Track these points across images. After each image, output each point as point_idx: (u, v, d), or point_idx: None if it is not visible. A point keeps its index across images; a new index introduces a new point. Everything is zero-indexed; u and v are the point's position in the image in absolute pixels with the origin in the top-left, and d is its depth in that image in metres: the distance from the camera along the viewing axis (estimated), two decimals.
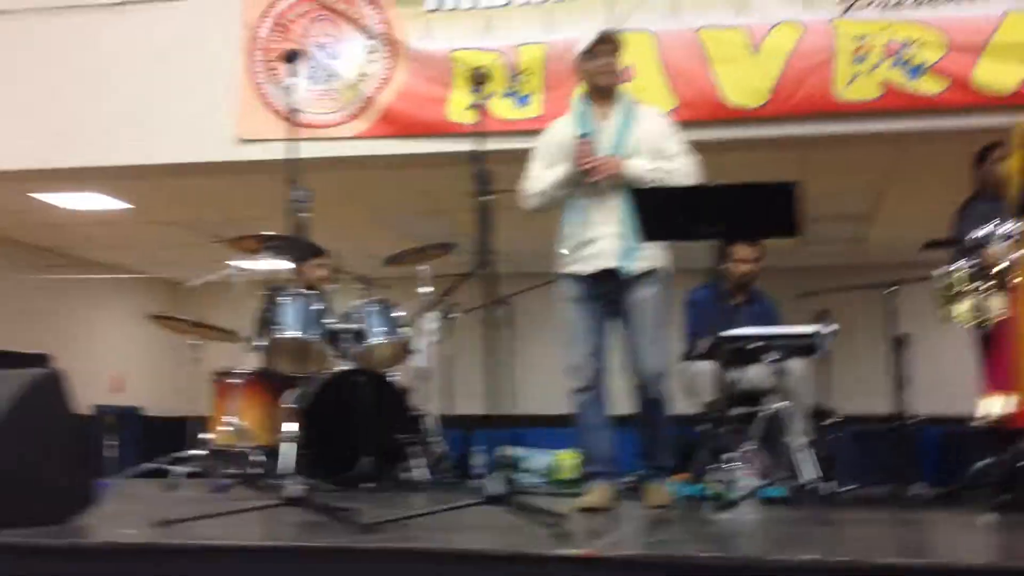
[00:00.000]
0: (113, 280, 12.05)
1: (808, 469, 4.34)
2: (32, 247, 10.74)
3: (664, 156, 4.29)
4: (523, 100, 6.35)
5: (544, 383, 7.25)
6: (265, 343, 4.83)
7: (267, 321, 4.88)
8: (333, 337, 5.00)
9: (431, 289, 5.08)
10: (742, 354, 4.51)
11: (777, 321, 5.37)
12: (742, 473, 3.61)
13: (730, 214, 3.82)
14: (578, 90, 4.58)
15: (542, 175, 4.31)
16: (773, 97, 5.97)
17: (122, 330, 12.25)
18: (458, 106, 6.39)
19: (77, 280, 11.37)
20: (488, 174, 3.65)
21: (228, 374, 5.46)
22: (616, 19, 6.27)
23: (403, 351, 5.04)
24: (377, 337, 4.94)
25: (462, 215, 8.75)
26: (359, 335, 4.98)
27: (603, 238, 4.17)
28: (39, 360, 6.89)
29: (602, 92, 4.37)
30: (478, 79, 3.90)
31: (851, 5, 5.98)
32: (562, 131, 4.39)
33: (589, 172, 4.14)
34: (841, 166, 7.17)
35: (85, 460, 3.35)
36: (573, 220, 4.25)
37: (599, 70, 4.34)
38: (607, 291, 4.19)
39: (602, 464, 4.15)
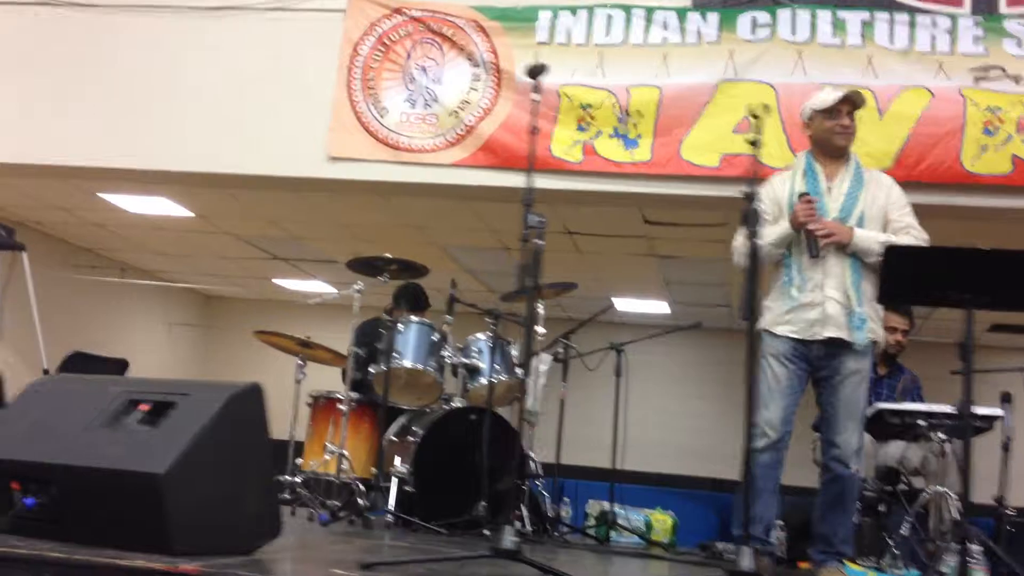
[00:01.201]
0: (138, 287, 11.84)
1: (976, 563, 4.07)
2: (76, 247, 10.54)
3: (892, 226, 4.15)
4: (631, 143, 6.13)
5: (641, 439, 7.00)
6: (378, 370, 4.58)
7: (382, 348, 4.63)
8: (449, 371, 4.73)
9: (544, 330, 4.85)
10: (906, 429, 4.26)
11: (921, 397, 5.13)
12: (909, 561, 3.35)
13: (995, 281, 3.65)
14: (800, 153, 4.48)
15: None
16: (898, 163, 5.74)
17: (150, 337, 12.01)
18: (562, 143, 6.20)
19: (112, 284, 11.17)
20: (756, 215, 3.42)
21: (332, 399, 5.18)
22: (735, 68, 6.11)
23: (516, 391, 4.79)
24: (493, 375, 4.68)
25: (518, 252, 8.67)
26: (473, 371, 4.73)
27: (824, 303, 3.99)
28: (120, 365, 6.62)
29: (834, 152, 4.23)
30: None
31: (984, 76, 5.79)
32: (781, 187, 4.22)
33: (808, 233, 3.98)
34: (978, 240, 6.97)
35: (274, 484, 3.05)
36: (788, 280, 4.08)
37: (838, 130, 4.20)
38: (815, 356, 4.02)
39: (762, 530, 3.92)
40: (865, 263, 4.03)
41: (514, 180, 6.27)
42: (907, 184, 5.75)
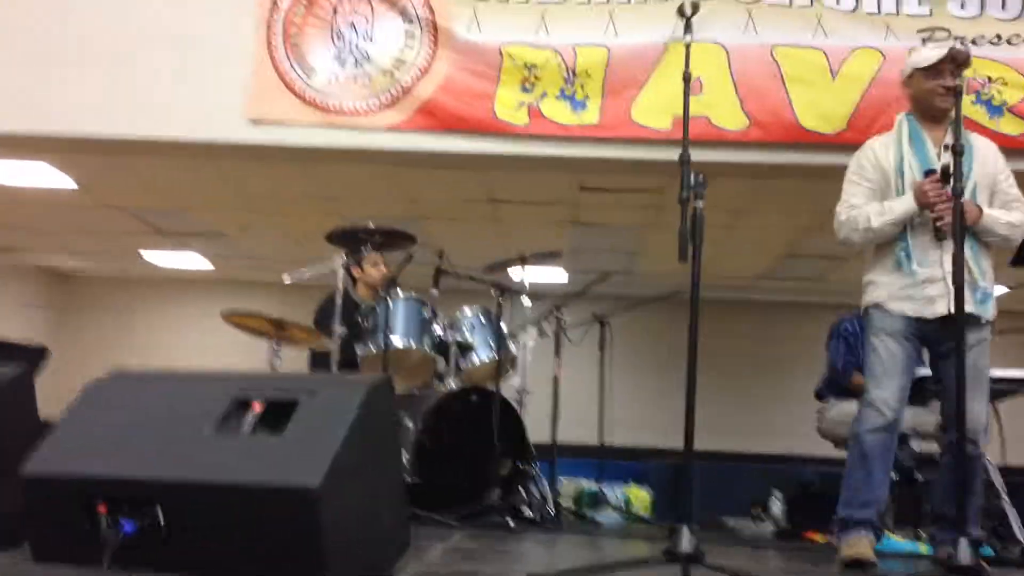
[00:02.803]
0: None
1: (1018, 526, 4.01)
2: None
3: (1000, 197, 3.96)
4: (579, 104, 5.86)
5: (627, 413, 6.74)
6: (368, 352, 4.17)
7: (368, 327, 4.22)
8: (441, 349, 4.36)
9: (530, 303, 4.53)
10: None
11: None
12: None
13: None
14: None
15: (870, 207, 3.86)
16: (851, 125, 5.67)
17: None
18: (506, 104, 5.87)
19: None
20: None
21: None
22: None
23: (506, 369, 4.46)
24: (485, 352, 4.33)
25: (440, 222, 8.32)
26: (465, 348, 4.37)
27: (946, 278, 3.72)
28: (37, 354, 5.89)
29: (936, 115, 3.98)
30: None
31: (930, 36, 5.77)
32: (884, 155, 3.98)
33: (936, 213, 3.75)
34: None
35: (405, 491, 2.60)
36: (904, 255, 3.85)
37: (940, 91, 3.94)
38: (932, 332, 3.82)
39: (871, 513, 3.71)
40: (982, 241, 3.86)
41: (456, 145, 5.92)
42: (856, 147, 5.79)
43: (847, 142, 5.73)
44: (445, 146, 5.87)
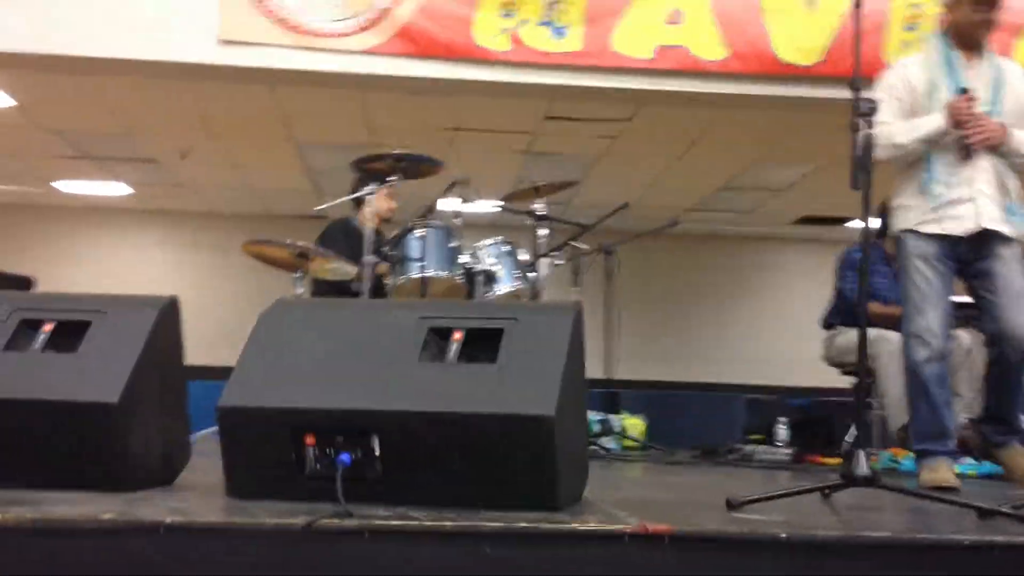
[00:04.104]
0: None
1: None
2: None
3: None
4: (560, 31, 5.82)
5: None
6: (404, 280, 4.11)
7: (401, 256, 4.16)
8: (467, 278, 4.32)
9: (546, 232, 4.52)
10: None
11: None
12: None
13: None
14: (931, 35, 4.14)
15: (898, 124, 3.84)
16: (828, 57, 5.79)
17: None
18: (487, 30, 5.79)
19: None
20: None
21: None
22: None
23: (531, 299, 4.45)
24: (510, 282, 4.31)
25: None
26: (491, 278, 4.34)
27: (976, 198, 3.77)
28: (24, 283, 5.59)
29: (972, 45, 3.93)
30: None
31: None
32: (917, 74, 3.90)
33: (966, 132, 3.73)
34: None
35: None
36: (930, 176, 3.83)
37: (985, 24, 3.89)
38: (964, 252, 3.83)
39: (942, 443, 3.76)
40: (1010, 161, 3.88)
41: (435, 70, 5.84)
42: (835, 79, 5.90)
43: (823, 74, 5.87)
44: (424, 71, 5.78)
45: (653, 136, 7.55)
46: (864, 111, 3.09)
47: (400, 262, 4.25)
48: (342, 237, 5.00)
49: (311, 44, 5.74)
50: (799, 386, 8.47)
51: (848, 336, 4.99)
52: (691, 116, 6.78)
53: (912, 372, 3.60)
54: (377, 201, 4.87)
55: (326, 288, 4.79)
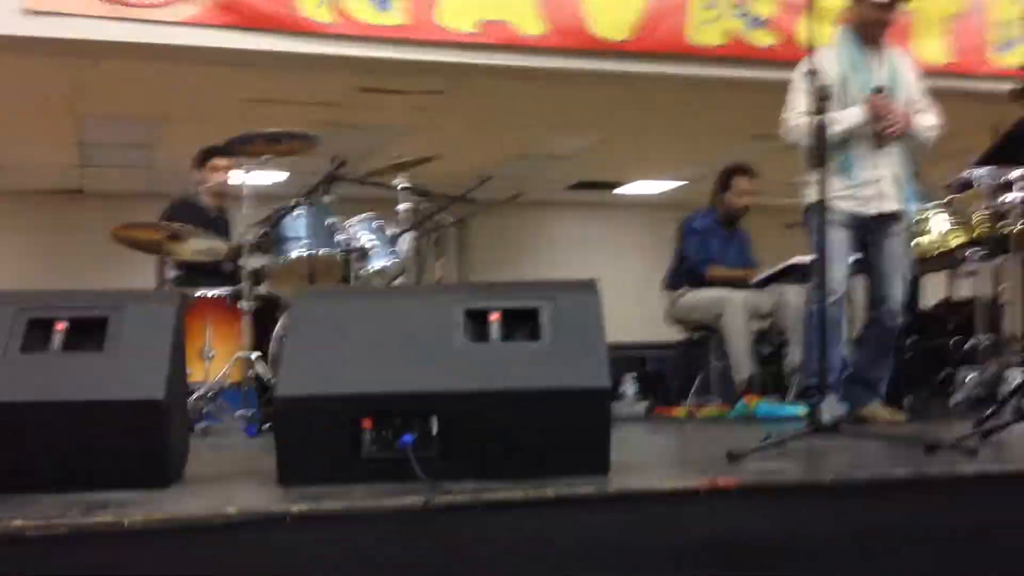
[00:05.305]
0: None
1: None
2: None
3: (916, 105, 4.43)
4: (384, 4, 5.85)
5: None
6: (280, 260, 4.02)
7: (276, 237, 4.07)
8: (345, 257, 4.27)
9: (407, 206, 4.55)
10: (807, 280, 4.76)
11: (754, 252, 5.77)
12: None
13: None
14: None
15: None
16: (635, 33, 6.12)
17: None
18: (309, 1, 5.74)
19: None
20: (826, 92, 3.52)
21: (210, 299, 4.33)
22: None
23: (399, 276, 4.45)
24: (384, 258, 4.30)
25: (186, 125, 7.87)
26: (363, 254, 4.30)
27: (882, 180, 4.33)
28: None
29: (873, 39, 4.39)
30: None
31: None
32: (829, 67, 4.20)
33: (884, 125, 4.23)
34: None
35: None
36: (846, 159, 4.29)
37: (885, 22, 4.36)
38: (867, 226, 4.36)
39: (835, 379, 4.22)
40: (910, 145, 4.42)
41: (256, 41, 5.73)
42: (640, 55, 6.27)
43: (632, 50, 6.22)
44: (244, 43, 5.67)
45: (461, 108, 7.70)
46: (822, 97, 3.38)
47: (279, 241, 4.20)
48: (191, 215, 4.85)
49: (124, 14, 5.50)
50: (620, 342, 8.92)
51: (695, 295, 5.41)
52: (501, 88, 6.96)
53: (817, 315, 3.96)
54: (215, 175, 4.75)
55: (191, 269, 4.63)
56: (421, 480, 2.12)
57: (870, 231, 4.42)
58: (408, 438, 2.25)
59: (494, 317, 2.44)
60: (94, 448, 2.33)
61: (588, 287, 2.54)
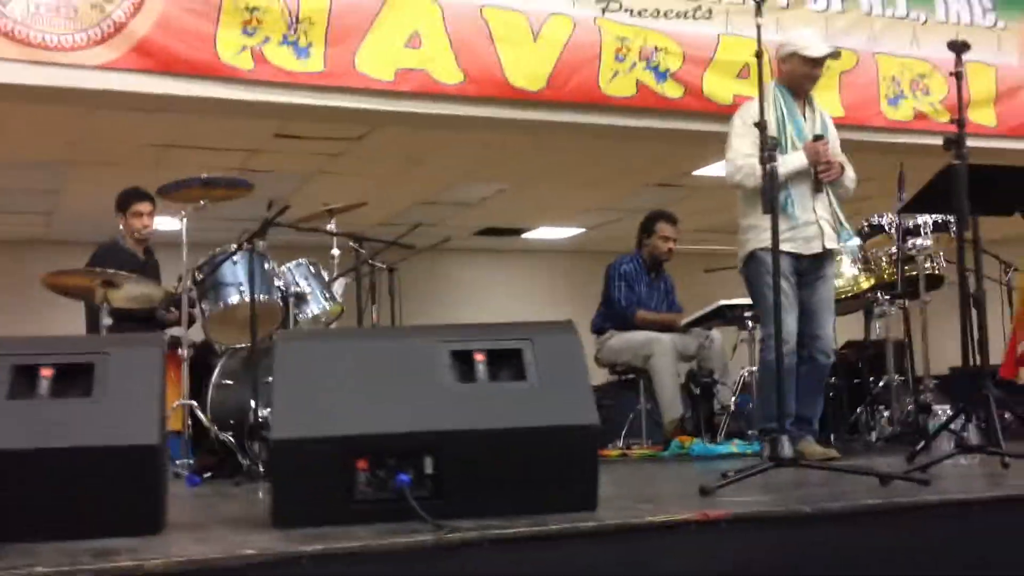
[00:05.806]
0: None
1: None
2: None
3: (839, 158, 4.71)
4: (303, 51, 5.88)
5: None
6: (217, 308, 3.95)
7: (218, 282, 4.00)
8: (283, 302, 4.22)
9: (338, 252, 4.54)
10: (734, 321, 4.89)
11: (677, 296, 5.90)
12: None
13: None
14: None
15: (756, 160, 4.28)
16: (549, 84, 6.28)
17: None
18: (229, 47, 5.74)
19: None
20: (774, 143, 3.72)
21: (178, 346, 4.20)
22: None
23: (336, 319, 4.42)
24: (320, 303, 4.27)
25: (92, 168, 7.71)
26: (301, 299, 4.26)
27: (820, 220, 4.54)
28: None
29: (800, 92, 4.70)
30: None
31: (606, 7, 6.54)
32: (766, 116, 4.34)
33: (821, 170, 4.49)
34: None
35: None
36: (785, 202, 4.42)
37: (812, 77, 4.68)
38: (803, 267, 4.52)
39: (790, 423, 4.23)
40: (838, 192, 4.68)
41: (173, 87, 5.68)
42: (555, 104, 6.44)
43: (547, 99, 6.39)
44: (162, 88, 5.61)
45: (376, 155, 7.76)
46: (772, 147, 3.52)
47: (217, 287, 4.15)
48: (119, 261, 4.76)
49: (39, 58, 5.39)
50: None
51: (621, 338, 5.54)
52: (417, 136, 7.05)
53: (776, 364, 4.08)
54: (135, 221, 4.69)
55: (126, 316, 4.51)
56: (420, 519, 2.15)
57: (803, 273, 4.60)
58: (405, 478, 2.28)
59: (479, 357, 2.49)
60: (86, 494, 2.29)
61: (566, 328, 2.62)
